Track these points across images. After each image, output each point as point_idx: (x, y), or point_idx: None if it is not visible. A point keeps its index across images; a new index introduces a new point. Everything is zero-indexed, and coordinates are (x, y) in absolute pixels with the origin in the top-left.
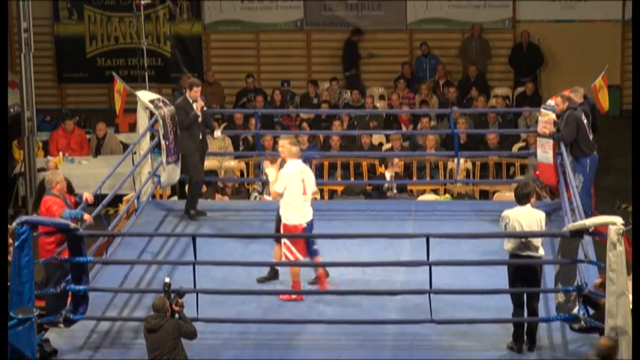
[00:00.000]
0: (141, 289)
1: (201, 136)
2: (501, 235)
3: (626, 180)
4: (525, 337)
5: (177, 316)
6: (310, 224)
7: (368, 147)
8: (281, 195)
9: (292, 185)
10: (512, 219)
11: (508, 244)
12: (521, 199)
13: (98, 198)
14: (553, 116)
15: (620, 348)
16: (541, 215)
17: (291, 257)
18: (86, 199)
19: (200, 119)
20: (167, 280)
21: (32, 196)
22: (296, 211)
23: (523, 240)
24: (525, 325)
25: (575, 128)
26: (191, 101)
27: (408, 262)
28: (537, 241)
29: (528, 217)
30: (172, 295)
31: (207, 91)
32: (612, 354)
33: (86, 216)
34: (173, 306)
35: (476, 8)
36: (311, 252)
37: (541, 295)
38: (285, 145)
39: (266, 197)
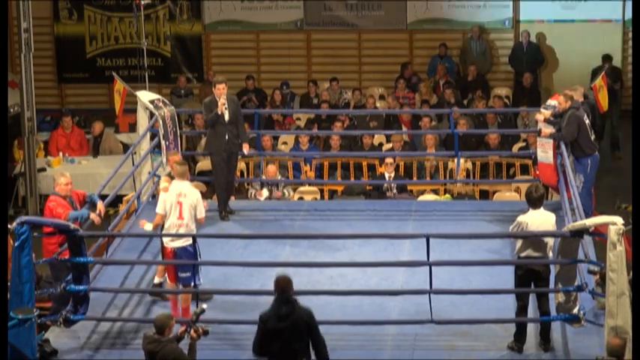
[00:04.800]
0: (141, 289)
1: (227, 137)
2: (501, 235)
3: (626, 180)
4: (540, 338)
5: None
6: (182, 250)
7: (368, 147)
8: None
9: (169, 208)
10: (531, 224)
11: (521, 249)
12: (536, 202)
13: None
14: (547, 113)
15: None
16: (553, 217)
17: (168, 281)
18: (99, 210)
19: (228, 119)
20: (204, 306)
21: (32, 196)
22: (169, 234)
23: (536, 242)
24: (539, 326)
25: (576, 128)
26: (217, 99)
27: (408, 262)
28: (550, 242)
29: (544, 221)
30: (197, 322)
31: (208, 90)
32: (624, 353)
33: (92, 215)
34: (192, 332)
35: (476, 8)
36: (179, 279)
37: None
38: (172, 163)
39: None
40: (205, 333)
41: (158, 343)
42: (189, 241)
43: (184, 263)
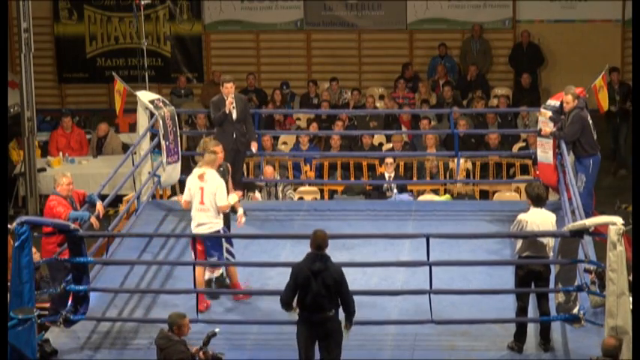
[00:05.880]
0: (141, 289)
1: (235, 135)
2: (501, 235)
3: (626, 180)
4: (540, 338)
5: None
6: (205, 236)
7: (368, 147)
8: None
9: (193, 194)
10: (531, 223)
11: (522, 249)
12: (542, 200)
13: (99, 198)
14: (549, 114)
15: None
16: (553, 217)
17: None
18: (98, 211)
19: (236, 117)
20: (217, 330)
21: (32, 196)
22: (192, 219)
23: (537, 242)
24: (539, 326)
25: (579, 128)
26: (225, 98)
27: (408, 262)
28: (551, 243)
29: (545, 220)
30: (208, 342)
31: (210, 90)
32: (619, 353)
33: (93, 219)
34: (201, 353)
35: (476, 8)
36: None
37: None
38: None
39: (257, 196)
40: (216, 358)
41: (167, 341)
42: (213, 228)
43: (184, 263)
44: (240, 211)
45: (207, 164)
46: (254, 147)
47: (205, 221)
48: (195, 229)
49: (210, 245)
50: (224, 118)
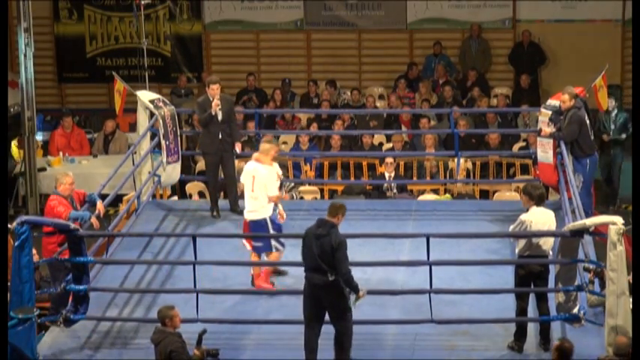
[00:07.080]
0: (141, 289)
1: (221, 136)
2: (501, 235)
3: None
4: (540, 338)
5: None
6: (253, 223)
7: (369, 147)
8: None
9: (245, 181)
10: (535, 223)
11: (524, 249)
12: (542, 199)
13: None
14: (550, 114)
15: None
16: (552, 214)
17: (248, 247)
18: (98, 210)
19: (221, 118)
20: (205, 328)
21: (32, 196)
22: (245, 205)
23: (534, 242)
24: (539, 326)
25: (577, 128)
26: (211, 99)
27: (408, 262)
28: (550, 242)
29: (548, 219)
30: (201, 340)
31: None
32: (629, 352)
33: (93, 219)
34: (195, 350)
35: (476, 8)
36: (254, 248)
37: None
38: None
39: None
40: (211, 354)
41: (161, 334)
42: (262, 215)
43: (184, 263)
44: (280, 207)
45: (262, 153)
46: (238, 147)
47: (255, 208)
48: (245, 215)
49: (254, 232)
50: (210, 119)
